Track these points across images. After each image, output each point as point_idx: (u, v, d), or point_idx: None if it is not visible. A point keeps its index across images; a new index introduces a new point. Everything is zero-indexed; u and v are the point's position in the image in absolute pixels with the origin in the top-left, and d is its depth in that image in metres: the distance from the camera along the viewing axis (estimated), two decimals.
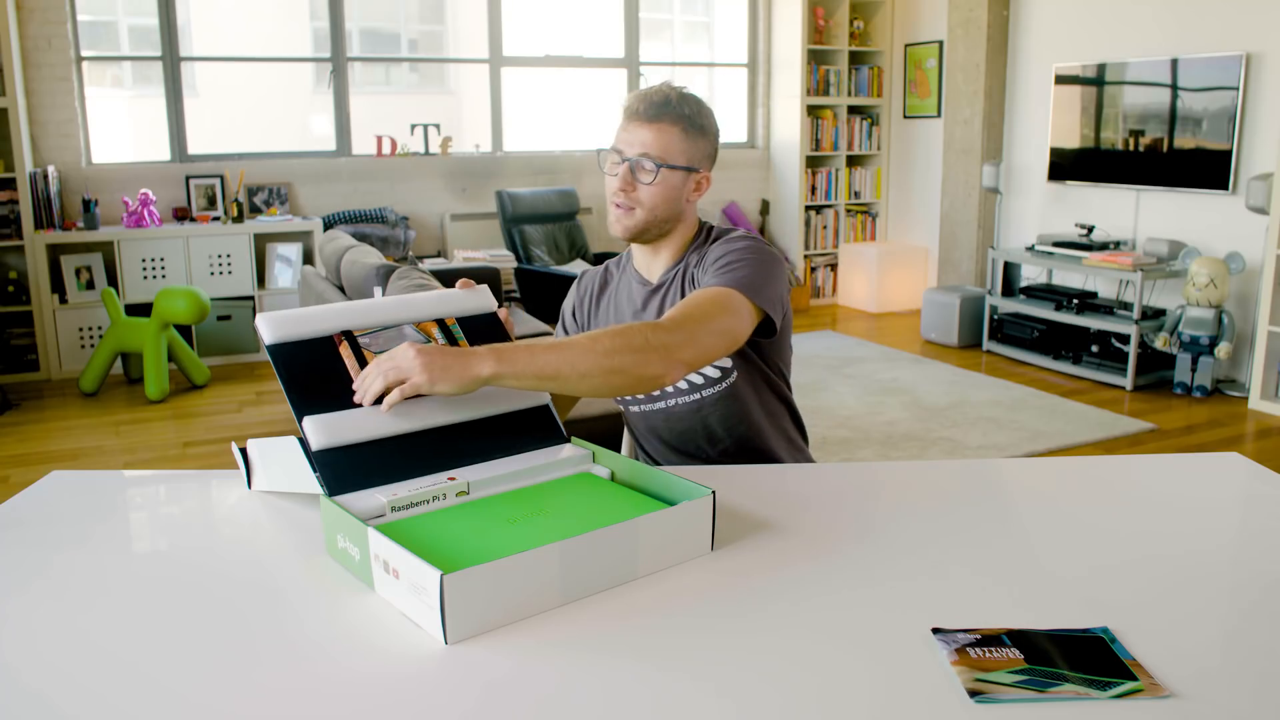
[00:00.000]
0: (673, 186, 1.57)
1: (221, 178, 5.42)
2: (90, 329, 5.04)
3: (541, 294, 5.30)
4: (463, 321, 1.40)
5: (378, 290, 3.24)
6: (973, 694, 0.86)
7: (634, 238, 1.60)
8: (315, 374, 1.26)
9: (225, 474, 1.47)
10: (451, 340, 1.37)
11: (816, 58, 6.70)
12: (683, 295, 1.59)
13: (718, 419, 1.63)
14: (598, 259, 5.99)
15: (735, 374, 1.60)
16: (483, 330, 1.41)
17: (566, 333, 1.79)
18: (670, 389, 1.62)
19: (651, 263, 1.67)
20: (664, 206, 1.57)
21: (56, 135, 5.11)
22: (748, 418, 1.64)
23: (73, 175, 5.17)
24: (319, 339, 1.29)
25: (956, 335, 5.65)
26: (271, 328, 1.28)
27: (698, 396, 1.62)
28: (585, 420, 2.86)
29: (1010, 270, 5.59)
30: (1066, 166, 5.47)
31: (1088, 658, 0.92)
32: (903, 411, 4.41)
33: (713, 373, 1.60)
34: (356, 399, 1.23)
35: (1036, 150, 5.73)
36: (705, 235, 1.65)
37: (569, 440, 1.37)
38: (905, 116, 6.78)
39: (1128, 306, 4.97)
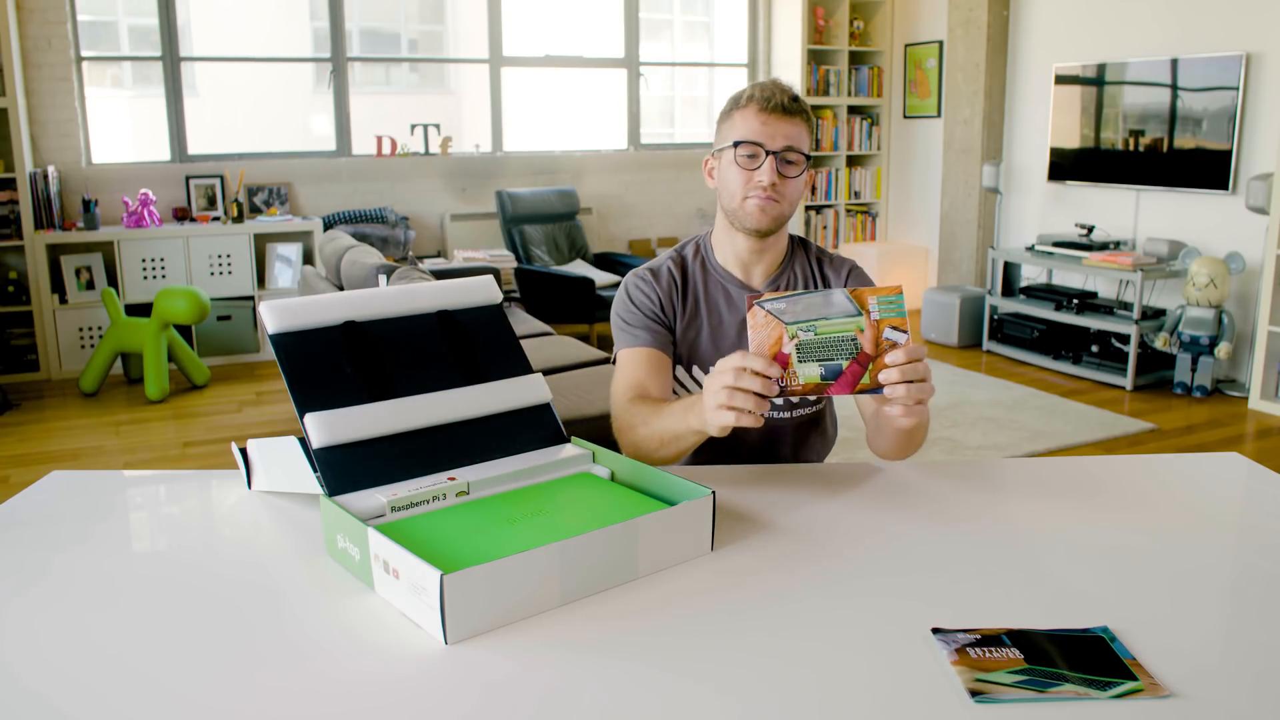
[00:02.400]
0: (804, 181, 1.58)
1: (221, 178, 5.42)
2: (90, 329, 5.04)
3: (541, 294, 5.30)
4: (466, 314, 1.40)
5: (383, 279, 3.24)
6: (973, 694, 0.86)
7: (769, 230, 1.57)
8: (319, 366, 1.25)
9: (225, 474, 1.47)
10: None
11: (816, 58, 6.69)
12: None
13: (797, 434, 1.68)
14: (598, 259, 5.98)
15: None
16: (486, 323, 1.41)
17: (642, 333, 1.61)
18: (785, 401, 1.62)
19: (754, 264, 1.63)
20: (798, 200, 1.58)
21: (56, 135, 5.11)
22: (824, 435, 1.73)
23: (73, 175, 5.17)
24: (324, 329, 1.28)
25: (956, 335, 5.65)
26: (276, 316, 1.26)
27: (809, 409, 1.67)
28: (585, 420, 2.86)
29: (1010, 270, 5.59)
30: (1066, 166, 5.47)
31: (1088, 658, 0.92)
32: None
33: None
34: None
35: (1036, 150, 5.73)
36: (796, 242, 1.68)
37: (569, 440, 1.37)
38: (905, 116, 6.78)
39: (1128, 306, 4.97)
